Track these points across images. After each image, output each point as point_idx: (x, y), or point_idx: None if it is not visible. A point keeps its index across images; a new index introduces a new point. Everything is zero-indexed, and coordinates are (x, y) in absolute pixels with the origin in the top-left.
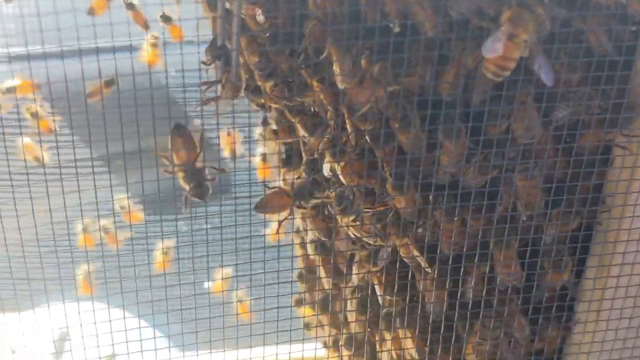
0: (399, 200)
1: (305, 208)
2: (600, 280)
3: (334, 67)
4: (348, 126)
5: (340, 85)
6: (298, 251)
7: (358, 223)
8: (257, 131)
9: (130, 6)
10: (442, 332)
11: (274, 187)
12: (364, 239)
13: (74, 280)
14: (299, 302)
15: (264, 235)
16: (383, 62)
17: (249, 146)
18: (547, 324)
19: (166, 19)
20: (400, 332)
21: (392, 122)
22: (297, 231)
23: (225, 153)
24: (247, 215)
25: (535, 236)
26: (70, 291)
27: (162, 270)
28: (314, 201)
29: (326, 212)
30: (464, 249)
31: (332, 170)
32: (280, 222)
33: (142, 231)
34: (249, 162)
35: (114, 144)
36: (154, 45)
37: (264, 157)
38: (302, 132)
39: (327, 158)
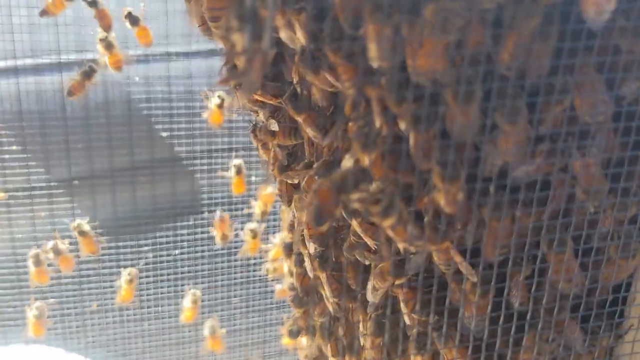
0: (442, 195)
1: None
2: None
3: (369, 46)
4: (376, 111)
5: (376, 64)
6: (294, 269)
7: (401, 226)
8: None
9: (93, 4)
10: (483, 350)
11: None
12: (407, 245)
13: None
14: (294, 333)
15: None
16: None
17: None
18: (598, 331)
19: (133, 20)
20: (429, 355)
21: (449, 96)
22: (289, 247)
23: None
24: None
25: (590, 231)
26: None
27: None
28: (357, 196)
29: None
30: (511, 253)
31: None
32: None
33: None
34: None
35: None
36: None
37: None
38: (310, 132)
39: (355, 150)
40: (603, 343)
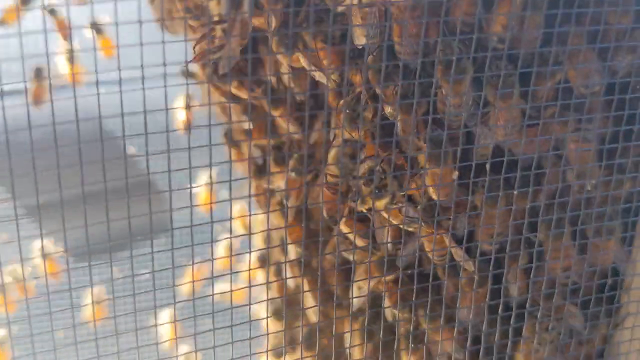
0: (433, 177)
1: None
2: None
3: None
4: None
5: (359, 41)
6: (272, 279)
7: (395, 207)
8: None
9: (52, 12)
10: (482, 343)
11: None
12: (404, 226)
13: None
14: (277, 353)
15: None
16: None
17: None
18: (596, 319)
19: (97, 28)
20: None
21: (439, 72)
22: (264, 258)
23: None
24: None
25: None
26: None
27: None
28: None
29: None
30: (508, 241)
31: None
32: None
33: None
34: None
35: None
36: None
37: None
38: (290, 128)
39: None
40: (602, 330)
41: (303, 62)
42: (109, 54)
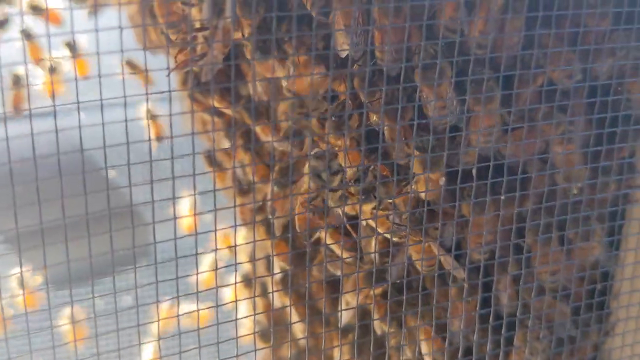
0: (422, 184)
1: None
2: None
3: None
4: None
5: (341, 47)
6: (257, 301)
7: (383, 214)
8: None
9: (27, 35)
10: (474, 353)
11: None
12: (389, 235)
13: None
14: None
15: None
16: None
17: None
18: (587, 326)
19: (71, 48)
20: None
21: (419, 74)
22: (249, 279)
23: None
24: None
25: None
26: None
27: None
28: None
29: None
30: (496, 249)
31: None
32: None
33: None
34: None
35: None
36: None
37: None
38: (274, 140)
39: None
40: (592, 337)
41: (279, 71)
42: (83, 73)
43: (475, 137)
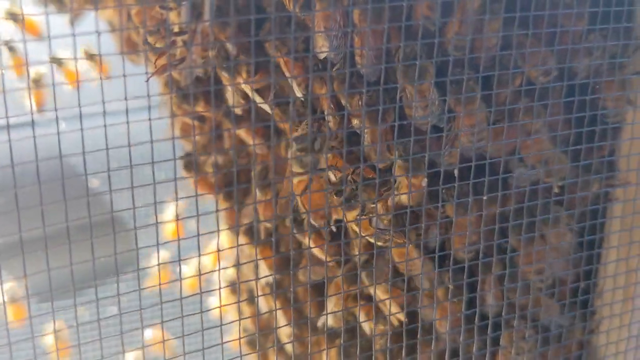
0: (404, 186)
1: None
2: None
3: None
4: (325, 107)
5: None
6: (244, 309)
7: (366, 219)
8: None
9: (11, 49)
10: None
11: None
12: (373, 240)
13: None
14: None
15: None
16: None
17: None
18: (572, 324)
19: (57, 61)
20: None
21: (400, 75)
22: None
23: None
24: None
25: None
26: None
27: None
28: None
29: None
30: (480, 250)
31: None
32: None
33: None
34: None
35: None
36: None
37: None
38: (257, 143)
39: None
40: (577, 334)
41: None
42: (70, 81)
43: (464, 137)
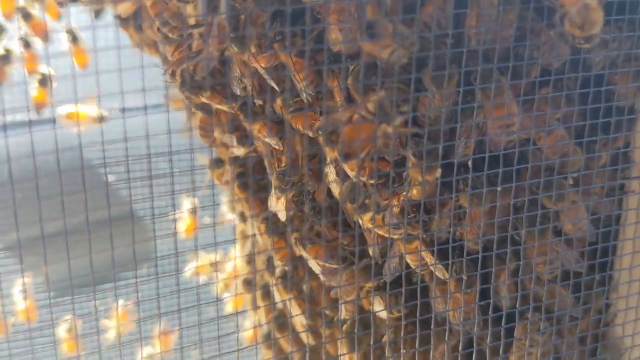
0: (418, 187)
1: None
2: None
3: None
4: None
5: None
6: (260, 303)
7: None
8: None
9: (27, 16)
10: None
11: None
12: (387, 234)
13: None
14: None
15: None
16: None
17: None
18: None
19: (74, 37)
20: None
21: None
22: (249, 282)
23: None
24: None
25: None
26: None
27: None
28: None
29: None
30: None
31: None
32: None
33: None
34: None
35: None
36: None
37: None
38: (270, 141)
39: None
40: (592, 327)
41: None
42: (80, 63)
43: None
